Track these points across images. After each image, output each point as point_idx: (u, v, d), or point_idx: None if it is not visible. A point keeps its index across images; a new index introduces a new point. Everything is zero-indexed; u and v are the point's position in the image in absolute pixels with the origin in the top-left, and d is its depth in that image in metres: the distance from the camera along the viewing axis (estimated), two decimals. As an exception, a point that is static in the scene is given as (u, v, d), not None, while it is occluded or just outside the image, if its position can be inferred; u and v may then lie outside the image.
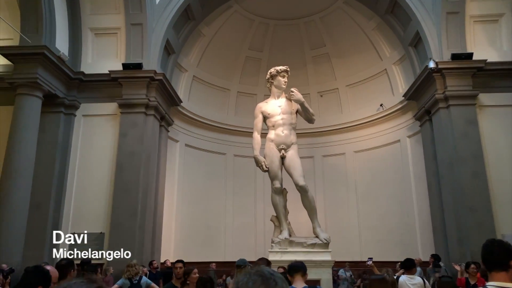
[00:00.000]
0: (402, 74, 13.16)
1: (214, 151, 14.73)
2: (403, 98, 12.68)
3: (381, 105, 13.71)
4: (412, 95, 12.02)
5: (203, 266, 10.79)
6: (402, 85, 13.14)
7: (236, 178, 14.93)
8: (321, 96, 15.37)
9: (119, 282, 5.62)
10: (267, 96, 13.60)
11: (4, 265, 6.92)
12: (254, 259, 13.93)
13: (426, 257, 10.69)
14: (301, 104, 9.56)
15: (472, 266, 6.38)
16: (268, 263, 3.88)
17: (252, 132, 14.62)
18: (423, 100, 11.51)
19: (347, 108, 15.04)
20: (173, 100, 12.40)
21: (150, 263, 9.47)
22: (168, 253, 12.10)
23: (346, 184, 14.66)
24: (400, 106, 13.10)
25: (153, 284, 5.72)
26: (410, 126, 12.86)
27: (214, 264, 12.09)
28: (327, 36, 14.69)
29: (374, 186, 13.80)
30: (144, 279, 5.75)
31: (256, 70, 15.39)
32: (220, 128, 14.82)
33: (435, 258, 8.83)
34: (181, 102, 13.00)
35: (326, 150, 15.20)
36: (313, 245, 8.93)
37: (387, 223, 13.12)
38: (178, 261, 5.16)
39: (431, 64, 10.36)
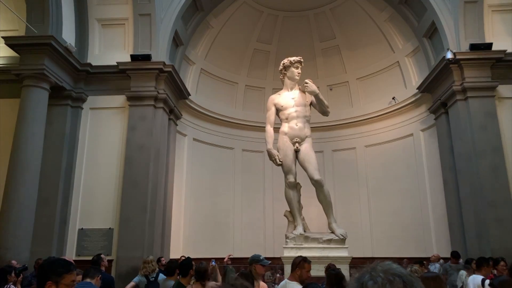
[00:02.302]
0: (416, 67, 12.85)
1: (222, 146, 14.47)
2: (417, 90, 12.37)
3: (393, 98, 13.40)
4: (426, 87, 11.71)
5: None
6: (415, 78, 12.84)
7: (245, 173, 14.67)
8: (331, 89, 15.06)
9: (135, 279, 5.37)
10: (275, 89, 13.37)
11: (13, 262, 6.67)
12: (263, 255, 13.74)
13: (442, 254, 10.42)
14: (316, 96, 9.30)
15: (502, 263, 6.12)
16: (303, 259, 3.63)
17: (260, 126, 14.61)
18: (438, 92, 11.21)
19: (357, 102, 14.75)
20: (181, 93, 12.13)
21: (159, 260, 9.21)
22: (177, 249, 11.87)
23: (357, 179, 14.38)
24: (413, 99, 12.80)
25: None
26: (424, 120, 12.56)
27: (229, 259, 11.19)
28: (337, 28, 14.37)
29: (386, 181, 13.53)
30: (162, 276, 5.49)
31: (264, 63, 15.10)
32: (228, 122, 14.55)
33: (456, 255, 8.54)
34: (190, 95, 12.72)
35: (336, 144, 14.92)
36: (329, 240, 8.69)
37: (400, 219, 12.85)
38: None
39: (449, 55, 10.05)
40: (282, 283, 3.76)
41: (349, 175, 14.45)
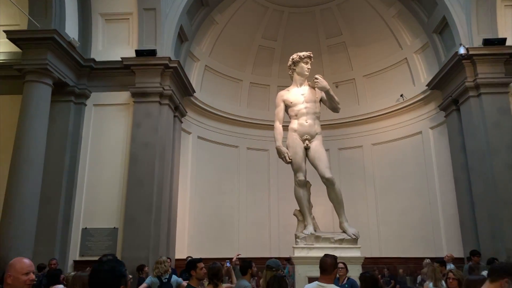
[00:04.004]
0: (424, 63, 12.62)
1: (226, 144, 14.24)
2: (426, 87, 12.16)
3: (401, 95, 13.17)
4: (437, 84, 11.49)
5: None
6: (424, 75, 12.62)
7: (249, 172, 14.44)
8: (337, 86, 14.75)
9: (147, 280, 5.13)
10: (280, 87, 13.14)
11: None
12: (269, 255, 13.52)
13: (453, 254, 10.18)
14: (326, 92, 9.02)
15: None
16: (335, 259, 3.38)
17: (265, 124, 14.38)
18: (449, 89, 10.98)
19: (364, 99, 14.52)
20: (186, 89, 11.88)
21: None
22: (182, 249, 11.64)
23: (363, 178, 14.15)
24: (422, 96, 12.57)
25: (184, 283, 5.20)
26: (433, 117, 12.33)
27: (237, 259, 10.68)
28: (344, 24, 14.14)
29: (394, 180, 13.30)
30: (174, 277, 5.25)
31: (269, 60, 14.86)
32: (232, 120, 14.32)
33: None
34: (194, 92, 12.47)
35: (342, 142, 14.67)
36: (341, 240, 8.43)
37: (408, 218, 12.62)
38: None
39: (462, 50, 9.82)
40: (312, 285, 3.45)
41: (355, 173, 14.21)
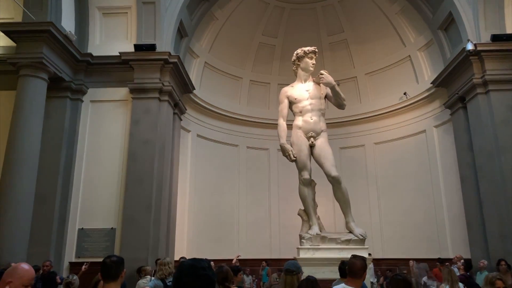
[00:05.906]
0: (428, 61, 12.41)
1: (226, 143, 13.95)
2: (430, 85, 11.95)
3: (404, 93, 12.95)
4: (442, 81, 11.27)
5: (217, 263, 9.83)
6: (428, 72, 12.41)
7: (249, 171, 14.17)
8: (338, 84, 14.39)
9: (151, 283, 4.82)
10: (280, 85, 12.88)
11: (13, 264, 6.08)
12: (269, 256, 13.18)
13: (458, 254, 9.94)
14: (332, 88, 8.78)
15: None
16: (365, 261, 3.13)
17: (265, 123, 14.12)
18: (455, 86, 10.76)
19: (366, 98, 14.29)
20: (186, 86, 11.57)
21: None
22: (181, 250, 11.31)
23: (365, 177, 13.90)
24: (426, 94, 12.36)
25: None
26: (438, 115, 12.12)
27: (237, 260, 10.18)
28: (346, 21, 13.91)
29: (397, 179, 13.07)
30: (179, 280, 4.93)
31: (269, 57, 14.60)
32: (232, 118, 14.05)
33: None
34: (194, 88, 12.16)
35: (344, 141, 14.41)
36: (348, 241, 8.15)
37: (412, 218, 12.39)
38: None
39: (469, 46, 9.60)
40: (338, 286, 3.19)
41: (357, 173, 13.96)
